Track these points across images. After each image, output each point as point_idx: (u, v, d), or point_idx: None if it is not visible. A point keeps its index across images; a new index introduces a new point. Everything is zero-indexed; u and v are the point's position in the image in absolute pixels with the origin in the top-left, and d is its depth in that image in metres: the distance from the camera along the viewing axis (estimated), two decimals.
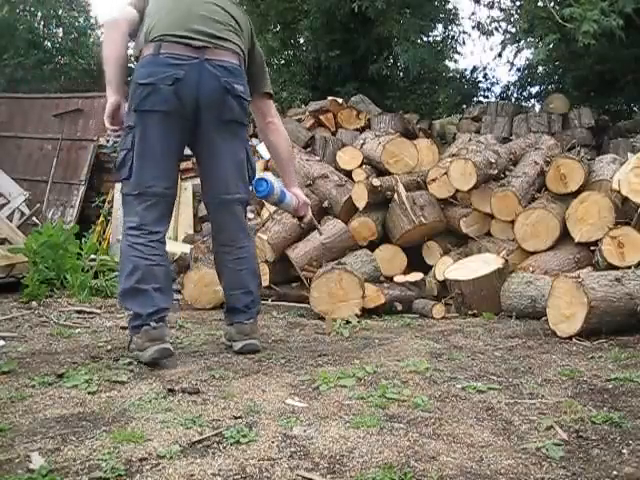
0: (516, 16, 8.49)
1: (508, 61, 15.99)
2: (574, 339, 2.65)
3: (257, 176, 2.51)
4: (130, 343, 2.27)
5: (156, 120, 2.20)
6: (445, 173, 4.06)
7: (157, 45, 2.20)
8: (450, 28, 10.55)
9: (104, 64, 2.30)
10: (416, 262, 4.06)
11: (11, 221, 5.68)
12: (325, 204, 4.28)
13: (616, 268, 3.11)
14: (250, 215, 4.85)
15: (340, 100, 6.41)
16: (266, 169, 5.11)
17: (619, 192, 3.55)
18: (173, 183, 2.33)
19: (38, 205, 6.62)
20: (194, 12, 2.29)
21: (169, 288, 2.33)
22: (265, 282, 3.85)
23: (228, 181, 2.37)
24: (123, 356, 2.27)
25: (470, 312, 3.40)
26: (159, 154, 2.23)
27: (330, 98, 6.46)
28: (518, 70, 11.26)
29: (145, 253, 2.21)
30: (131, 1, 2.37)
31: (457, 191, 4.09)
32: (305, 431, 1.55)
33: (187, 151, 2.47)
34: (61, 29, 16.32)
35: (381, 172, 4.46)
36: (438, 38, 10.69)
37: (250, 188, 2.50)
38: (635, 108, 9.70)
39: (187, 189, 6.11)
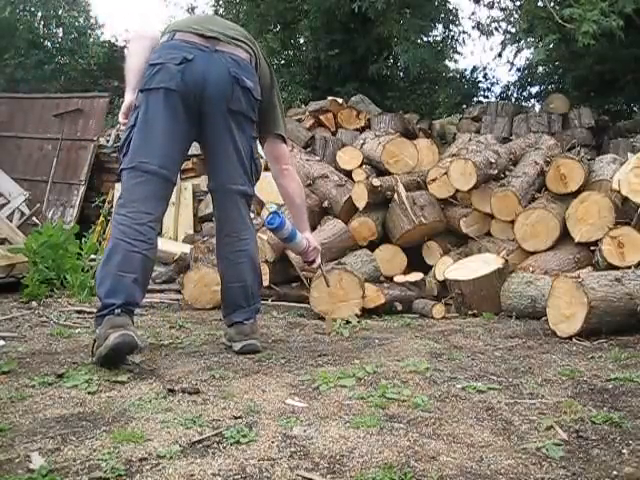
0: (516, 16, 8.49)
1: (508, 61, 16.02)
2: (574, 339, 2.65)
3: (271, 209, 2.59)
4: (94, 344, 2.09)
5: (159, 97, 2.20)
6: (445, 173, 4.06)
7: (171, 34, 2.30)
8: (450, 28, 10.55)
9: (126, 70, 2.40)
10: (416, 262, 4.06)
11: (11, 221, 5.68)
12: (325, 204, 4.28)
13: (616, 268, 3.11)
14: (250, 215, 4.85)
15: (340, 100, 6.41)
16: (266, 169, 5.11)
17: (619, 192, 3.55)
18: (170, 165, 2.25)
19: (38, 205, 6.61)
20: (210, 19, 2.48)
21: (146, 283, 2.24)
22: (265, 282, 3.85)
23: (231, 171, 2.37)
24: None
25: (470, 312, 3.40)
26: (158, 131, 2.21)
27: (330, 98, 6.47)
28: (518, 70, 11.29)
29: (129, 236, 2.12)
30: (161, 30, 2.50)
31: (457, 191, 4.09)
32: (305, 431, 1.55)
33: (190, 151, 2.49)
34: (61, 29, 16.33)
35: (381, 172, 4.46)
36: (438, 38, 10.69)
37: (255, 188, 2.51)
38: (635, 108, 9.71)
39: (187, 189, 6.11)
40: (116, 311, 2.05)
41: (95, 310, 2.16)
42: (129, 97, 2.36)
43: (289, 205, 2.71)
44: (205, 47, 2.25)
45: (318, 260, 2.72)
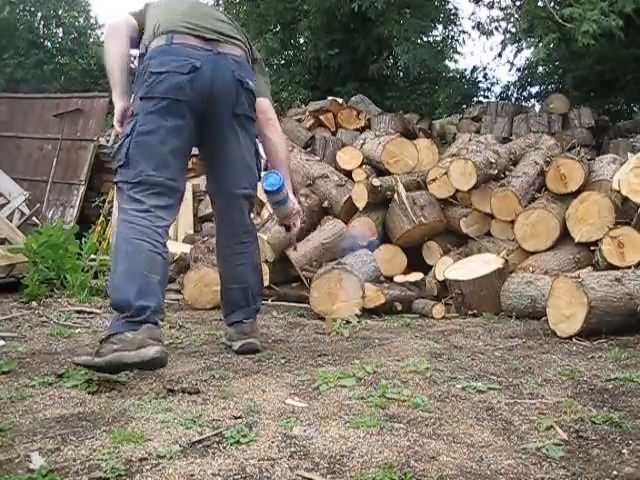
0: (516, 16, 8.49)
1: (508, 61, 16.07)
2: (574, 339, 2.65)
3: (268, 169, 2.48)
4: (110, 340, 1.90)
5: (163, 108, 2.11)
6: (445, 173, 4.06)
7: (169, 36, 2.17)
8: (450, 28, 10.56)
9: (108, 68, 2.28)
10: (416, 262, 4.06)
11: (11, 221, 5.68)
12: (325, 204, 4.28)
13: (616, 268, 3.11)
14: (252, 216, 4.84)
15: (340, 100, 6.40)
16: (265, 169, 5.10)
17: (619, 192, 3.55)
18: (177, 176, 2.18)
19: (38, 205, 6.61)
20: (197, 11, 2.31)
21: (164, 289, 2.16)
22: (265, 282, 3.85)
23: (238, 175, 2.34)
24: None
25: (470, 312, 3.39)
26: (163, 143, 2.12)
27: (330, 98, 6.46)
28: (518, 70, 11.30)
29: (150, 237, 2.04)
30: (131, 12, 2.38)
31: (457, 191, 4.09)
32: (305, 431, 1.55)
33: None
34: (61, 29, 16.34)
35: (381, 172, 4.46)
36: (438, 38, 10.71)
37: (258, 182, 2.46)
38: (635, 108, 9.71)
39: (187, 189, 6.10)
40: (157, 321, 1.99)
41: (110, 307, 2.00)
42: (121, 102, 2.27)
43: (273, 159, 2.55)
44: (208, 50, 2.18)
45: (298, 225, 2.62)
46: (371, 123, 5.87)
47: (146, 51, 2.21)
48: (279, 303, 3.69)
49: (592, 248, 3.51)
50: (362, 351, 2.46)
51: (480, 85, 12.04)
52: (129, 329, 1.91)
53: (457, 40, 10.77)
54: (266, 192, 2.45)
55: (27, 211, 6.34)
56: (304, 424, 1.60)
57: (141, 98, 2.14)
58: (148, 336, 1.91)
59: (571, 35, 6.04)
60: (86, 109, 7.67)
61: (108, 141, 7.25)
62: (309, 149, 5.24)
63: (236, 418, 1.64)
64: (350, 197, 4.20)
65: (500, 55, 13.71)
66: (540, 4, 7.09)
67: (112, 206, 6.43)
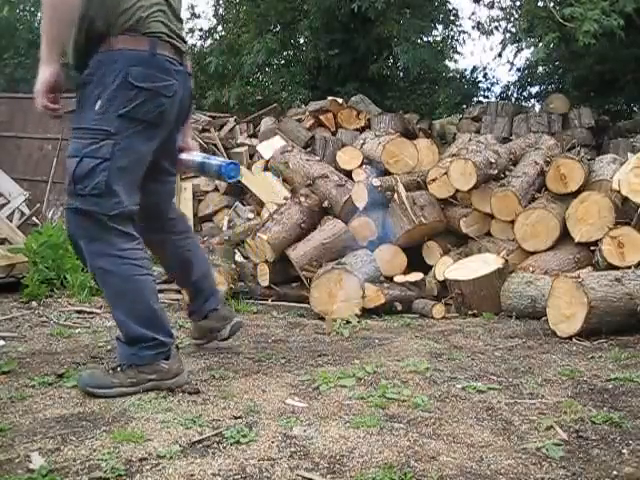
0: (516, 15, 8.49)
1: (508, 61, 16.07)
2: (574, 339, 2.65)
3: (229, 161, 2.37)
4: (139, 374, 1.89)
5: (142, 131, 1.93)
6: (445, 173, 4.05)
7: (152, 42, 1.92)
8: (450, 28, 10.55)
9: (51, 17, 1.84)
10: (416, 262, 4.06)
11: (11, 221, 5.68)
12: (325, 204, 4.28)
13: (616, 268, 3.11)
14: (250, 215, 4.85)
15: (340, 100, 6.40)
16: (266, 169, 5.11)
17: (619, 192, 3.55)
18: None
19: (38, 205, 6.62)
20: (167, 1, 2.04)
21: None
22: (265, 282, 3.86)
23: (174, 178, 2.34)
24: None
25: (470, 312, 3.40)
26: (139, 170, 1.98)
27: (330, 98, 6.46)
28: (518, 70, 11.28)
29: (148, 268, 2.01)
30: None
31: (457, 191, 4.09)
32: (305, 431, 1.55)
33: None
34: None
35: (381, 172, 4.46)
36: (438, 38, 10.70)
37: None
38: (635, 108, 9.70)
39: (187, 189, 6.10)
40: (174, 347, 2.03)
41: (147, 336, 1.92)
42: (55, 66, 1.87)
43: None
44: (180, 64, 2.02)
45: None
46: (371, 123, 5.87)
47: (109, 34, 1.89)
48: (279, 303, 3.69)
49: (592, 248, 3.51)
50: (362, 351, 2.46)
51: (480, 85, 12.02)
52: (161, 359, 1.94)
53: (457, 40, 10.77)
54: (223, 178, 2.33)
55: (27, 211, 6.34)
56: (304, 424, 1.60)
57: (120, 115, 1.88)
58: (178, 362, 1.97)
59: (571, 35, 6.03)
60: None
61: None
62: (309, 149, 5.24)
63: (236, 418, 1.64)
64: (350, 197, 4.20)
65: (500, 55, 13.76)
66: (540, 4, 7.09)
67: None
